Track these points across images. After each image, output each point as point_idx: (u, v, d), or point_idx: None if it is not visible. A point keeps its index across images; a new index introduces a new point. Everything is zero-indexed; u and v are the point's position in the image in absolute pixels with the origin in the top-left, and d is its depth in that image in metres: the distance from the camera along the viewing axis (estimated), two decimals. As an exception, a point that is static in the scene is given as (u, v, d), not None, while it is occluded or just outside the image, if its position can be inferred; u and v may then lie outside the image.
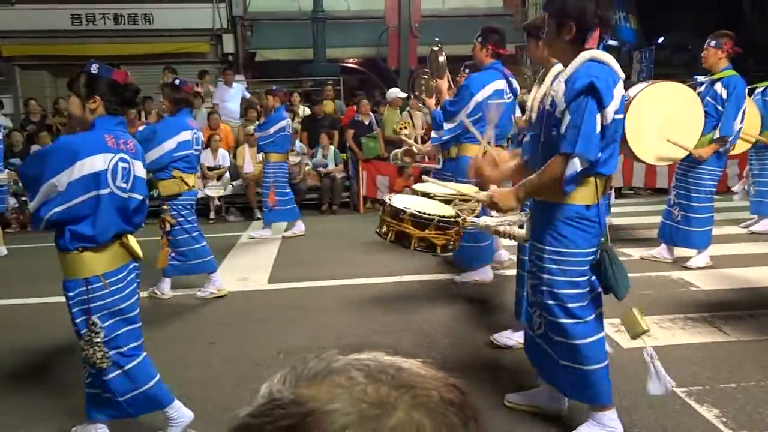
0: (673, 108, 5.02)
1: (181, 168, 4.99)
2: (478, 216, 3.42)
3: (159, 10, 14.15)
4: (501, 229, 3.14)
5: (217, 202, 9.39)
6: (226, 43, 14.49)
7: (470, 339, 4.16)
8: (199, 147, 5.22)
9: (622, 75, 2.71)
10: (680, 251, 5.90)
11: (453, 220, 3.14)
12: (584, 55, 2.61)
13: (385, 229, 3.15)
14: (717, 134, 5.36)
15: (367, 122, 9.91)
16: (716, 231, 6.94)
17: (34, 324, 4.74)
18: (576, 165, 2.54)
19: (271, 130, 7.49)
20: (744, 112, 5.45)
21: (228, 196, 9.61)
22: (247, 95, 11.46)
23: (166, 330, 4.54)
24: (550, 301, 2.78)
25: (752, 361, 3.67)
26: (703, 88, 5.60)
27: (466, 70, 5.49)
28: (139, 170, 2.89)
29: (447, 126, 4.95)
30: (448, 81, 5.19)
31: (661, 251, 5.91)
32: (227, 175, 9.64)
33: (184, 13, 14.26)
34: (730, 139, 5.37)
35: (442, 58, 5.08)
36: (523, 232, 3.03)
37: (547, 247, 2.75)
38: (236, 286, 5.55)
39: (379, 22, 13.37)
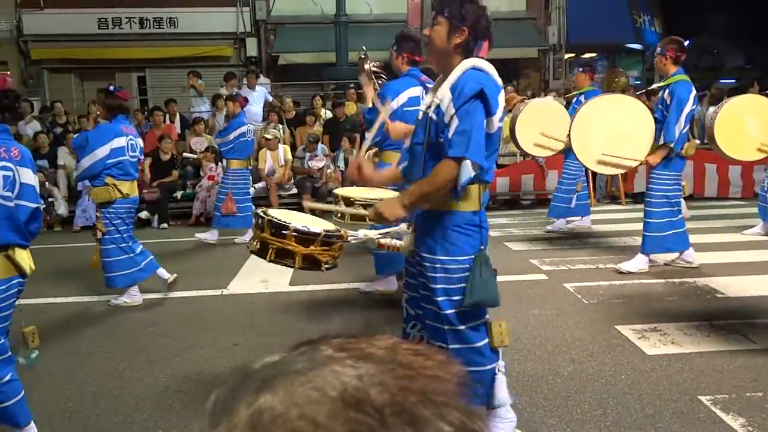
0: (621, 119, 5.37)
1: (114, 175, 4.95)
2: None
3: (184, 14, 14.30)
4: (384, 241, 3.00)
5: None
6: (250, 47, 14.60)
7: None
8: (136, 154, 5.13)
9: (502, 85, 2.70)
10: (703, 257, 5.82)
11: (337, 234, 2.99)
12: (467, 63, 2.57)
13: (259, 245, 2.94)
14: (660, 140, 5.40)
15: (388, 126, 9.91)
16: (741, 238, 6.86)
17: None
18: (469, 170, 2.47)
19: (231, 136, 7.45)
20: (689, 117, 5.46)
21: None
22: (270, 99, 11.54)
23: (173, 333, 4.58)
24: (449, 311, 2.67)
25: (780, 370, 3.61)
26: (660, 94, 5.68)
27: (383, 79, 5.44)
28: (27, 177, 2.81)
29: (367, 134, 4.93)
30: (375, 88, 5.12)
31: (684, 257, 5.83)
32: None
33: (209, 17, 14.40)
34: (673, 144, 5.36)
35: (368, 66, 5.00)
36: (407, 243, 2.87)
37: (438, 257, 2.65)
38: (257, 288, 5.58)
39: (401, 25, 13.30)
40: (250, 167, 8.10)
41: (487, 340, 2.77)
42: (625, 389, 3.40)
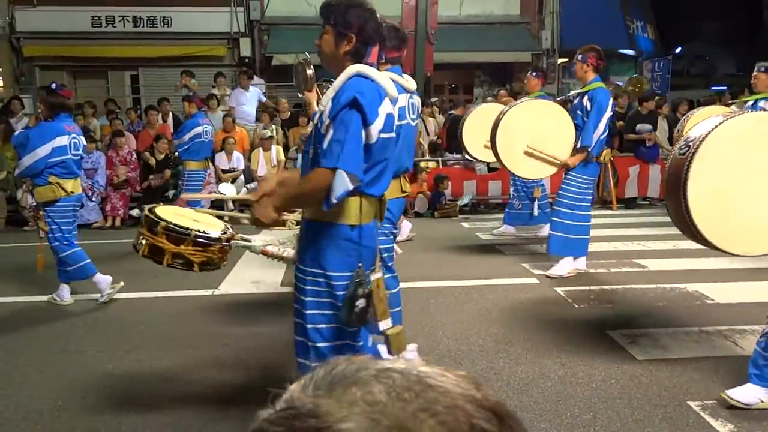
0: (542, 124, 5.58)
1: (57, 173, 4.94)
2: None
3: (177, 13, 14.26)
4: (270, 249, 2.96)
5: (230, 206, 9.42)
6: (243, 47, 14.58)
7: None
8: (79, 152, 5.11)
9: (394, 93, 2.60)
10: (693, 263, 5.86)
11: (214, 236, 2.90)
12: (351, 70, 2.50)
13: (141, 241, 2.89)
14: (578, 144, 5.53)
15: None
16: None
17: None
18: (345, 181, 2.35)
19: (186, 137, 7.44)
20: (607, 123, 5.59)
21: (243, 199, 9.65)
22: (264, 99, 11.52)
23: (181, 331, 4.57)
24: (309, 325, 2.60)
25: (768, 376, 3.62)
26: (576, 101, 5.79)
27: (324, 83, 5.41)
28: None
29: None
30: (317, 94, 5.08)
31: (576, 263, 5.91)
32: (242, 177, 9.69)
33: (203, 16, 14.36)
34: (590, 149, 5.48)
35: (310, 71, 4.92)
36: (292, 253, 2.79)
37: (308, 269, 2.59)
38: (249, 288, 5.57)
39: (396, 28, 13.39)
40: (208, 169, 8.07)
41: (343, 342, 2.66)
42: (615, 394, 3.41)
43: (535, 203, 7.37)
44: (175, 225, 2.88)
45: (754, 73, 5.03)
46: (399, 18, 13.00)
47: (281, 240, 2.93)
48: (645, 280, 5.57)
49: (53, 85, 5.21)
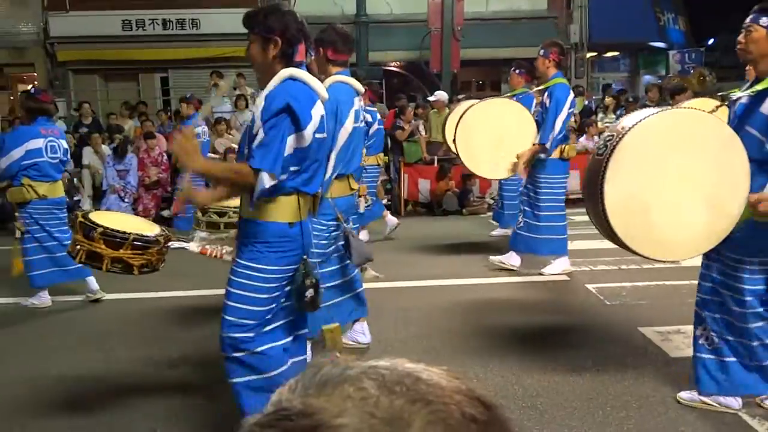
0: (504, 123, 5.53)
1: (31, 176, 4.95)
2: None
3: (206, 15, 14.43)
4: (208, 249, 2.93)
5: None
6: (271, 47, 14.69)
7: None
8: (57, 155, 5.09)
9: (325, 95, 2.67)
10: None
11: (152, 238, 2.89)
12: (283, 73, 2.56)
13: (77, 247, 2.86)
14: (536, 140, 5.43)
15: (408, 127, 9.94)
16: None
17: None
18: (264, 181, 2.46)
19: None
20: (567, 119, 5.49)
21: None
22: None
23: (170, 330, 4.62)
24: (229, 317, 2.65)
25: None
26: (540, 98, 5.72)
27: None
28: None
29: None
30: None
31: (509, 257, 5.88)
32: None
33: (231, 17, 14.44)
34: (548, 145, 5.38)
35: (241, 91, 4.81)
36: (231, 254, 2.79)
37: (242, 262, 2.65)
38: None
39: (422, 25, 13.36)
40: None
41: (267, 346, 2.69)
42: (648, 392, 3.37)
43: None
44: (113, 229, 2.87)
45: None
46: (425, 15, 13.01)
47: (222, 240, 2.91)
48: (677, 276, 5.47)
49: (32, 90, 5.28)
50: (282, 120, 2.50)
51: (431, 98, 10.11)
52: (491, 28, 14.24)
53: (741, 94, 2.95)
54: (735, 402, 3.11)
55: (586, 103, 12.13)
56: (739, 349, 3.04)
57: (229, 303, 2.66)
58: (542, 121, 5.45)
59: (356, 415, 0.48)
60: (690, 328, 4.22)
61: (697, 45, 16.50)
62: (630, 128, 2.87)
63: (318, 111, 2.61)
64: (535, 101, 6.11)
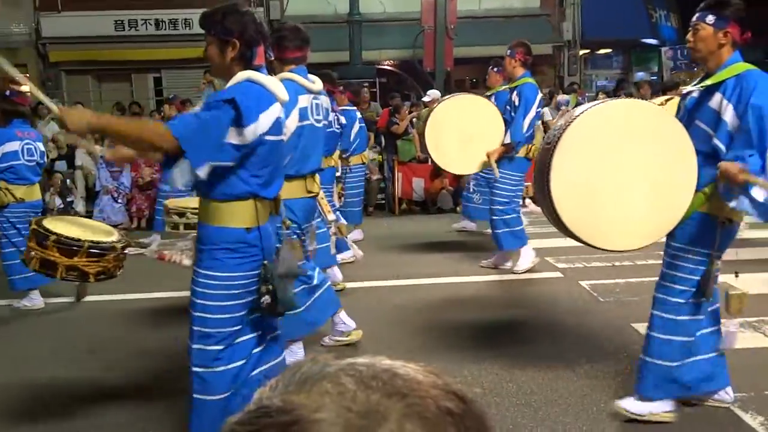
0: (472, 120, 5.58)
1: (8, 179, 4.94)
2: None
3: (199, 15, 14.37)
4: (166, 254, 2.87)
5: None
6: (264, 47, 14.66)
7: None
8: (34, 158, 5.07)
9: (285, 97, 2.61)
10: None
11: (108, 245, 2.82)
12: (242, 76, 2.51)
13: (31, 254, 2.82)
14: (507, 139, 5.47)
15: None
16: (763, 233, 6.76)
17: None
18: (184, 169, 2.36)
19: None
20: (535, 119, 5.57)
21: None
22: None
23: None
24: (197, 328, 2.59)
25: (799, 368, 3.57)
26: (508, 97, 5.76)
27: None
28: None
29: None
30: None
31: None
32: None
33: (223, 17, 14.49)
34: (516, 144, 5.44)
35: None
36: (190, 260, 2.72)
37: (201, 270, 2.58)
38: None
39: (415, 24, 13.37)
40: None
41: (234, 365, 2.61)
42: (642, 387, 3.38)
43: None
44: (67, 237, 2.80)
45: None
46: (419, 14, 13.01)
47: (182, 246, 2.85)
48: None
49: (7, 92, 5.23)
50: (223, 108, 2.41)
51: (425, 99, 10.11)
52: (484, 26, 14.24)
53: (691, 89, 3.00)
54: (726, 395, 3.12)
55: (580, 99, 12.15)
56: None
57: (195, 314, 2.60)
58: (511, 120, 5.49)
59: (333, 409, 0.49)
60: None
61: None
62: (575, 118, 2.90)
63: (271, 114, 2.52)
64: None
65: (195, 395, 2.61)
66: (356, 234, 7.42)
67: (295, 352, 3.81)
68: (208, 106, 2.46)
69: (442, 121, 5.75)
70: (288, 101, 2.87)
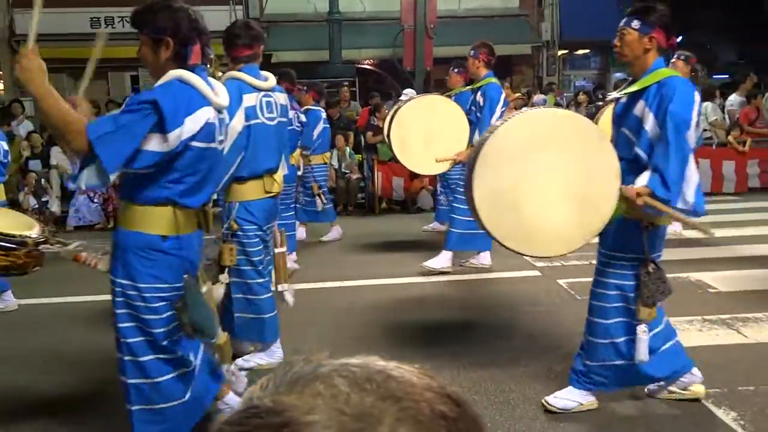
0: (436, 120, 5.60)
1: None
2: None
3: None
4: (82, 255, 2.75)
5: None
6: (243, 45, 14.58)
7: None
8: None
9: (221, 102, 2.51)
10: (696, 252, 5.85)
11: (18, 239, 2.68)
12: (172, 74, 2.40)
13: None
14: (476, 140, 5.48)
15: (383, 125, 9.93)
16: (737, 232, 6.88)
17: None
18: (90, 174, 2.27)
19: None
20: (498, 118, 5.50)
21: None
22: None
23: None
24: (122, 339, 2.51)
25: (771, 364, 3.63)
26: (470, 97, 5.78)
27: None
28: None
29: None
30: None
31: (479, 258, 5.90)
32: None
33: (201, 15, 14.38)
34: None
35: None
36: (105, 264, 2.63)
37: (117, 279, 2.47)
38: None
39: (395, 23, 13.38)
40: None
41: (172, 375, 2.57)
42: (618, 384, 3.42)
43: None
44: None
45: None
46: (399, 13, 13.02)
47: (100, 249, 2.73)
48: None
49: None
50: (142, 111, 2.27)
51: (402, 98, 10.11)
52: (464, 25, 14.30)
53: (618, 95, 3.04)
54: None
55: (558, 99, 12.26)
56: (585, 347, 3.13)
57: (118, 324, 2.50)
58: (476, 121, 5.50)
59: (326, 412, 0.48)
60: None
61: (665, 42, 16.76)
62: (497, 127, 2.95)
63: (199, 118, 2.38)
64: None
65: (131, 407, 2.55)
66: (334, 233, 7.42)
67: (274, 352, 3.79)
68: (128, 108, 2.31)
69: (407, 122, 5.77)
70: (230, 102, 2.76)
